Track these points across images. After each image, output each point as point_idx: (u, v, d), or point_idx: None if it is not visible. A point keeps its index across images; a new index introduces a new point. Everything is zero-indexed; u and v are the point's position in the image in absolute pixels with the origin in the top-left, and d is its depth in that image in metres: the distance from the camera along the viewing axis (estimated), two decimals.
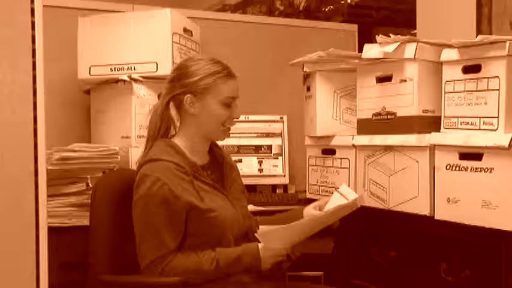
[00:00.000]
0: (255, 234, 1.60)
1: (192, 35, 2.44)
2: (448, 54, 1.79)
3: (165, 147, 1.68)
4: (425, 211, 1.84)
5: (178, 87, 1.70)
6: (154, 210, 1.57)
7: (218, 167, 1.80)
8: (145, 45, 2.28)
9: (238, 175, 1.86)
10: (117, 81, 2.30)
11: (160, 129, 1.73)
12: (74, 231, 2.00)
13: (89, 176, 2.05)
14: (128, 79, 2.27)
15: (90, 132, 2.45)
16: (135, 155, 2.18)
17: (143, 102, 2.29)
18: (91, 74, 2.33)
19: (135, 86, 2.28)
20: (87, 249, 1.69)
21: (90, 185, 2.02)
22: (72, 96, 2.50)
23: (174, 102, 1.72)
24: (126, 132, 2.29)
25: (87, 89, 2.45)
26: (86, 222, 1.84)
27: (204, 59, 1.73)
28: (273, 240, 1.62)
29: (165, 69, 2.26)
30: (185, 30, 2.38)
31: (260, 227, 1.60)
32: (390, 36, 1.92)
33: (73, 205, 2.04)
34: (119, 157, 2.12)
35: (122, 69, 2.30)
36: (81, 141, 2.18)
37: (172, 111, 1.74)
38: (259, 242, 1.64)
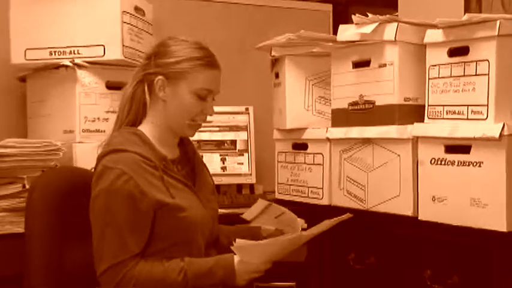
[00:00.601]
0: (231, 247, 1.58)
1: (144, 15, 2.42)
2: (432, 36, 1.80)
3: (130, 135, 1.65)
4: (408, 211, 1.85)
5: (152, 65, 1.68)
6: (117, 207, 1.54)
7: (188, 162, 1.79)
8: (90, 25, 2.25)
9: (209, 174, 1.85)
10: (57, 66, 2.26)
11: (129, 114, 1.71)
12: (7, 239, 1.94)
13: (25, 176, 2.00)
14: (70, 64, 2.23)
15: (27, 126, 2.40)
16: (80, 151, 2.19)
17: (88, 91, 2.26)
18: (26, 58, 2.27)
19: (79, 72, 2.24)
20: (23, 260, 1.65)
21: (27, 186, 1.97)
22: (5, 84, 2.45)
23: (146, 83, 1.69)
24: (69, 125, 2.25)
25: (23, 76, 2.39)
26: (20, 229, 1.80)
27: (188, 41, 1.70)
28: (252, 255, 1.60)
29: (114, 53, 2.23)
30: (137, 9, 2.36)
31: (237, 240, 1.58)
32: (368, 16, 1.93)
33: (5, 210, 1.98)
34: (61, 154, 2.09)
35: (64, 53, 2.25)
36: (15, 136, 2.13)
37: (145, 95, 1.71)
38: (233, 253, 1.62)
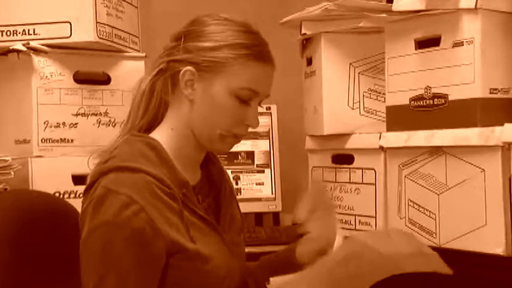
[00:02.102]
0: None
1: None
2: None
3: (143, 147, 1.62)
4: (497, 248, 1.83)
5: (181, 50, 1.65)
6: (122, 247, 1.50)
7: (211, 189, 1.78)
8: None
9: (238, 205, 1.86)
10: (5, 52, 2.28)
11: (144, 116, 1.69)
12: None
13: None
14: (24, 49, 2.24)
15: None
16: (39, 169, 2.20)
17: (50, 85, 2.26)
18: None
19: (37, 59, 2.25)
20: None
21: None
22: None
23: (170, 74, 1.67)
24: (23, 133, 2.26)
25: None
26: None
27: (234, 21, 1.67)
28: None
29: (84, 33, 2.25)
30: None
31: (272, 279, 1.53)
32: None
33: None
34: (12, 173, 2.13)
35: (15, 33, 2.27)
36: None
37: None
38: None
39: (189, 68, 1.62)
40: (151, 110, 1.68)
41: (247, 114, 1.66)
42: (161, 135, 1.66)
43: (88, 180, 1.60)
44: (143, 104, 1.68)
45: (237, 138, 1.70)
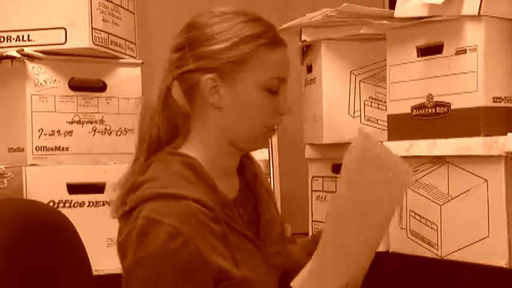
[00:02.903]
0: None
1: None
2: None
3: (181, 167, 1.59)
4: (501, 260, 1.82)
5: (190, 59, 1.61)
6: (170, 280, 1.49)
7: (250, 196, 1.75)
8: (46, 1, 2.27)
9: (274, 200, 1.84)
10: (0, 58, 2.27)
11: (161, 133, 1.66)
12: None
13: None
14: (18, 55, 2.24)
15: None
16: (33, 178, 2.20)
17: (45, 93, 2.27)
18: None
19: (31, 66, 2.25)
20: None
21: None
22: None
23: (182, 86, 1.64)
24: (17, 141, 2.26)
25: None
26: None
27: (234, 13, 1.65)
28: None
29: (79, 40, 2.26)
30: None
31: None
32: None
33: None
34: (5, 182, 2.14)
35: (9, 39, 2.28)
36: None
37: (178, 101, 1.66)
38: None
39: (208, 75, 1.59)
40: (166, 129, 1.66)
41: (279, 103, 1.64)
42: (191, 151, 1.63)
43: (127, 206, 1.58)
44: (156, 127, 1.65)
45: (274, 131, 1.69)
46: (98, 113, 2.34)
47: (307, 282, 1.52)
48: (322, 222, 2.32)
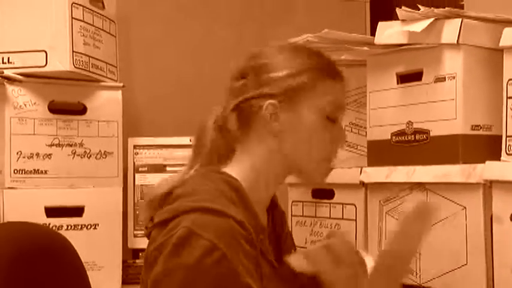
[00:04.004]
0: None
1: (103, 7, 2.45)
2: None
3: (225, 186, 1.60)
4: None
5: (253, 86, 1.62)
6: None
7: (272, 232, 1.76)
8: (27, 24, 2.27)
9: (295, 249, 1.84)
10: None
11: (212, 153, 1.67)
12: None
13: None
14: None
15: None
16: (11, 201, 2.21)
17: (24, 115, 2.27)
18: None
19: (10, 88, 2.25)
20: None
21: None
22: None
23: (239, 113, 1.65)
24: None
25: None
26: None
27: (297, 46, 1.71)
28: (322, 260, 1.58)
29: (60, 62, 2.26)
30: None
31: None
32: (419, 9, 1.93)
33: None
34: None
35: None
36: None
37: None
38: None
39: (270, 101, 1.60)
40: (221, 149, 1.67)
41: (338, 132, 1.65)
42: (237, 173, 1.63)
43: (162, 216, 1.57)
44: (214, 143, 1.66)
45: (331, 163, 1.68)
46: (78, 136, 2.34)
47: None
48: (302, 247, 2.27)
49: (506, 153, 1.80)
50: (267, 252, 1.61)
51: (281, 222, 1.77)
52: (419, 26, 1.90)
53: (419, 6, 1.93)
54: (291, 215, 2.38)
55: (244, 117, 1.64)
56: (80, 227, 2.31)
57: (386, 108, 2.08)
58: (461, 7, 2.08)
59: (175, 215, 1.54)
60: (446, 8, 1.90)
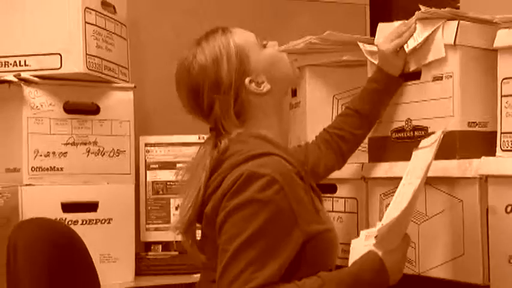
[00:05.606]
0: (373, 248, 1.67)
1: (115, 12, 2.45)
2: (506, 38, 1.79)
3: (258, 140, 1.76)
4: (476, 277, 1.82)
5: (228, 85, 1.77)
6: (268, 223, 1.61)
7: None
8: (42, 27, 2.27)
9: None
10: None
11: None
12: None
13: None
14: (15, 80, 2.25)
15: None
16: (29, 197, 2.22)
17: (40, 115, 2.28)
18: None
19: (27, 90, 2.26)
20: None
21: None
22: None
23: (236, 98, 1.79)
24: (14, 162, 2.27)
25: None
26: None
27: (206, 38, 1.81)
28: (391, 239, 1.68)
29: (74, 65, 2.26)
30: (104, 4, 2.39)
31: (366, 232, 1.74)
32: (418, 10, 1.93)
33: None
34: (2, 201, 2.13)
35: (6, 64, 2.29)
36: None
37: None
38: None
39: (246, 79, 1.77)
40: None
41: (273, 46, 1.89)
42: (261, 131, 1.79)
43: (217, 174, 1.70)
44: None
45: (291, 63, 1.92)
46: (92, 134, 2.36)
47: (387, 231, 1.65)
48: None
49: (501, 149, 1.79)
50: (309, 182, 1.74)
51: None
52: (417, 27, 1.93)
53: (421, 6, 1.92)
54: None
55: (238, 99, 1.78)
56: (94, 221, 2.33)
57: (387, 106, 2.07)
58: (457, 9, 2.07)
59: (229, 171, 1.68)
60: (445, 9, 1.90)
